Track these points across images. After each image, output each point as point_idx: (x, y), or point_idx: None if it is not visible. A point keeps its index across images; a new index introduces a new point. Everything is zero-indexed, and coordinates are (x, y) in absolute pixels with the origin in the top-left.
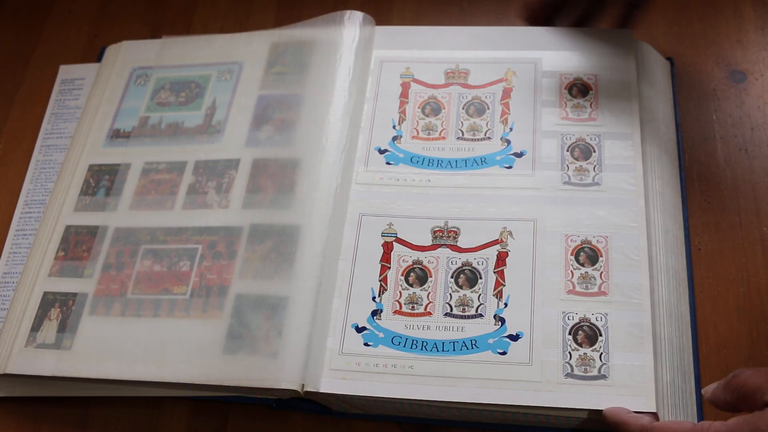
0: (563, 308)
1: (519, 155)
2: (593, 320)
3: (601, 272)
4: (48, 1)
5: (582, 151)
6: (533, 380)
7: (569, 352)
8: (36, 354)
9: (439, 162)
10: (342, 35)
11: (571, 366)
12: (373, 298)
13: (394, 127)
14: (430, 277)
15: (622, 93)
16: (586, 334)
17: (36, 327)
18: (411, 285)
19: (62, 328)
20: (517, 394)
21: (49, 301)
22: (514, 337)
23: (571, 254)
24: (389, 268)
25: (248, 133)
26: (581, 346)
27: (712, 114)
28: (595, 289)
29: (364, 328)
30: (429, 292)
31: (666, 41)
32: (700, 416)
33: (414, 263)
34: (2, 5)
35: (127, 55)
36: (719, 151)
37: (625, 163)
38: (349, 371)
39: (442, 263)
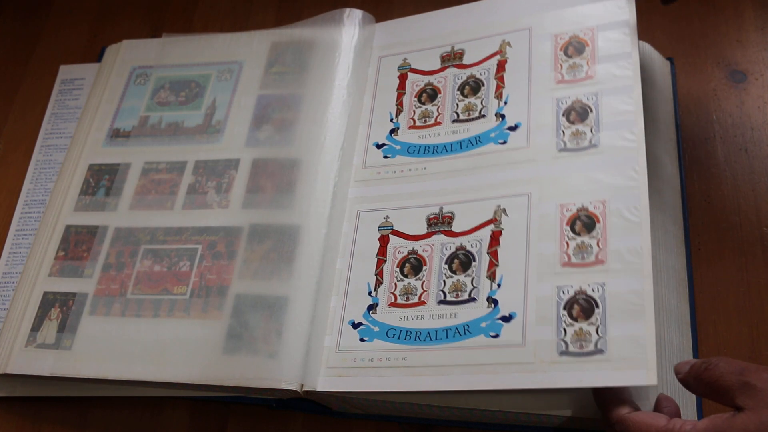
0: (558, 282)
1: (513, 128)
2: (589, 292)
3: (598, 240)
4: (48, 1)
5: (578, 113)
6: (526, 362)
7: (564, 329)
8: (36, 354)
9: (435, 148)
10: (341, 34)
11: (565, 343)
12: (369, 293)
13: (391, 120)
14: (425, 265)
15: (621, 41)
16: (582, 307)
17: (36, 327)
18: (406, 276)
19: (62, 328)
20: (509, 378)
21: (49, 301)
22: (507, 318)
23: (567, 224)
24: (385, 261)
25: (248, 133)
26: (576, 321)
27: (712, 114)
28: (592, 259)
29: (360, 324)
30: (423, 281)
31: (666, 41)
32: (700, 416)
33: (409, 253)
34: (2, 5)
35: (127, 54)
36: (719, 151)
37: (624, 117)
38: (344, 368)
39: (436, 250)
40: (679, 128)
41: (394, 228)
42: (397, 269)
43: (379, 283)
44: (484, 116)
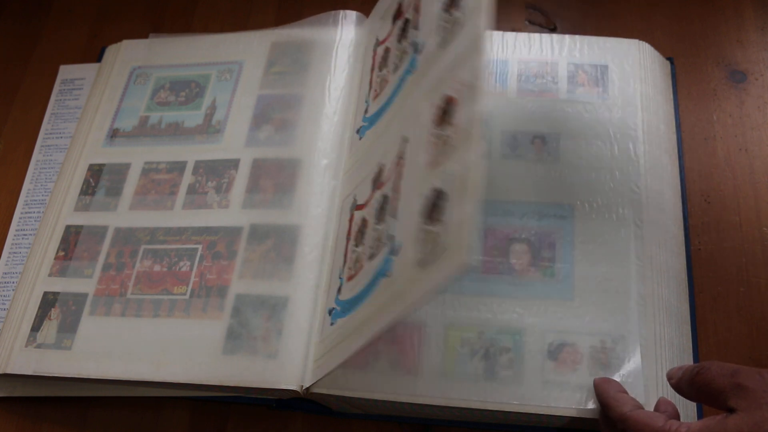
0: (421, 190)
1: (420, 51)
2: (438, 185)
3: (453, 124)
4: (48, 1)
5: None
6: (397, 291)
7: (422, 239)
8: (36, 354)
9: (383, 108)
10: (337, 35)
11: (422, 252)
12: (340, 276)
13: (366, 101)
14: (366, 228)
15: None
16: (436, 206)
17: (36, 327)
18: (357, 246)
19: (62, 328)
20: (387, 317)
21: (49, 301)
22: (396, 251)
23: (436, 123)
24: (350, 239)
25: (248, 133)
26: (431, 224)
27: (712, 114)
28: (447, 148)
29: (332, 309)
30: (364, 245)
31: (666, 41)
32: (700, 416)
33: (360, 222)
34: (2, 5)
35: (127, 54)
36: (719, 151)
37: None
38: (320, 358)
39: (374, 209)
40: (679, 128)
41: (357, 203)
42: (353, 242)
43: (344, 263)
44: (407, 53)
